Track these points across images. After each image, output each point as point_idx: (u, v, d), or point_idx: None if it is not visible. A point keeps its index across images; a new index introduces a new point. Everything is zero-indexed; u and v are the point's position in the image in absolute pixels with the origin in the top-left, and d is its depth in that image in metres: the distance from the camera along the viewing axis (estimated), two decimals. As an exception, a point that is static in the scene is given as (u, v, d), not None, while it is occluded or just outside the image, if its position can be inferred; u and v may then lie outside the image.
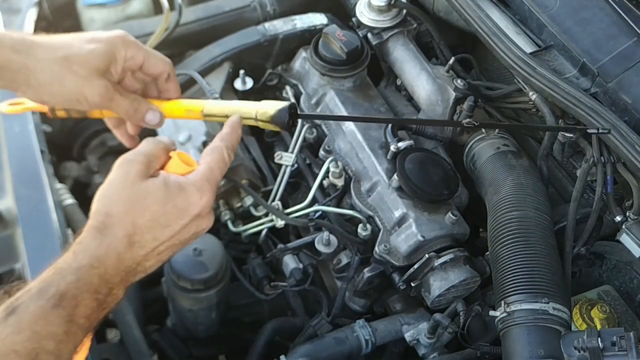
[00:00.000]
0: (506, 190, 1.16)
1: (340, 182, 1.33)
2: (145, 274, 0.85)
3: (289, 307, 1.43)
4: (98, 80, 0.93)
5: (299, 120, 1.40)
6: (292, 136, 1.45)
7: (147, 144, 0.88)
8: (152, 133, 1.53)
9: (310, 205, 1.35)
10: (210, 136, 1.49)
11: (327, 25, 1.60)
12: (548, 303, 0.99)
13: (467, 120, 1.08)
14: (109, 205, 0.81)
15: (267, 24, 1.63)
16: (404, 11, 1.45)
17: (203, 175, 0.86)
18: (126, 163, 0.84)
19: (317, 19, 1.65)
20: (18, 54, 0.89)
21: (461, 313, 1.19)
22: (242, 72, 1.55)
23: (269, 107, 0.96)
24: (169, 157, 0.90)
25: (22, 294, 0.74)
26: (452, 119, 1.34)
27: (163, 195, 0.82)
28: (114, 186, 0.83)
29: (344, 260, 1.32)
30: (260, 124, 0.98)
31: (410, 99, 1.47)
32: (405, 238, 1.21)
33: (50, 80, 0.91)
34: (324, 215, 1.34)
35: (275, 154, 1.44)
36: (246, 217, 1.48)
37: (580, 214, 1.15)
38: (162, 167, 0.88)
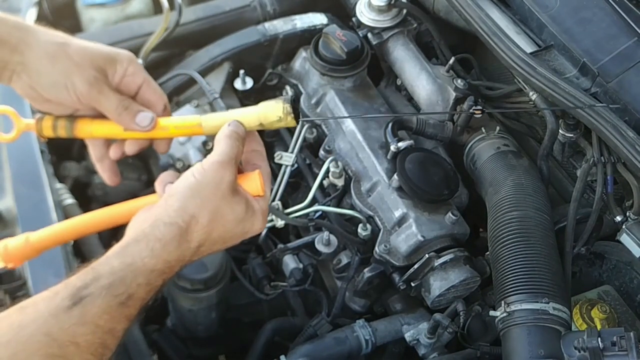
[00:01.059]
0: (506, 190, 1.16)
1: (340, 182, 1.33)
2: None
3: (289, 307, 1.43)
4: (90, 70, 0.88)
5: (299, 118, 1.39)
6: (292, 135, 1.45)
7: (233, 142, 0.85)
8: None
9: (310, 205, 1.35)
10: (209, 136, 1.49)
11: (327, 25, 1.60)
12: (548, 303, 0.99)
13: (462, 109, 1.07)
14: (199, 208, 0.79)
15: (267, 24, 1.63)
16: (404, 11, 1.45)
17: (267, 203, 0.88)
18: (221, 168, 0.81)
19: (317, 18, 1.65)
20: (19, 31, 0.88)
21: (461, 313, 1.19)
22: (242, 72, 1.55)
23: (269, 111, 0.92)
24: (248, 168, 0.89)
25: (91, 282, 0.72)
26: (452, 119, 1.34)
27: (242, 218, 0.83)
28: (207, 189, 0.80)
29: (344, 260, 1.32)
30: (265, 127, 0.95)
31: (410, 99, 1.47)
32: (406, 238, 1.21)
33: (43, 59, 0.87)
34: (324, 215, 1.34)
35: (275, 154, 1.44)
36: (246, 217, 1.48)
37: (580, 214, 1.15)
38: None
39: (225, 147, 0.83)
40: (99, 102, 0.90)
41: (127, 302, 0.73)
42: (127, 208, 0.89)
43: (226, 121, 0.89)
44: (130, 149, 0.97)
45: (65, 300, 0.71)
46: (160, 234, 0.77)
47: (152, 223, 0.78)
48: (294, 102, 0.94)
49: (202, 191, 0.80)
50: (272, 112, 0.92)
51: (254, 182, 0.87)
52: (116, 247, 0.77)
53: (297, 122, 0.94)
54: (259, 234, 1.44)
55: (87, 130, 0.95)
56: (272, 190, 1.44)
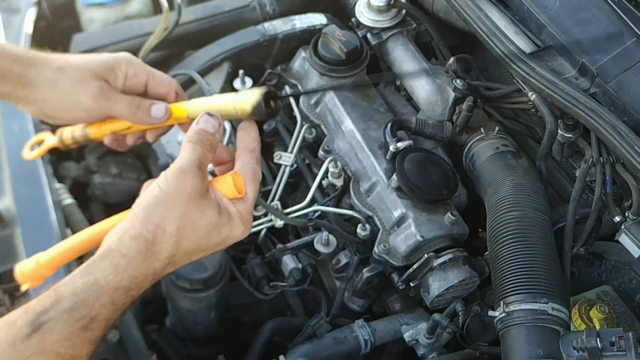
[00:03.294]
0: (505, 191, 1.16)
1: (339, 182, 1.33)
2: None
3: (288, 307, 1.43)
4: (92, 82, 0.89)
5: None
6: (291, 135, 1.45)
7: (195, 147, 0.81)
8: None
9: (310, 205, 1.35)
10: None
11: (326, 25, 1.61)
12: (547, 303, 0.99)
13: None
14: (164, 217, 0.76)
15: (266, 24, 1.63)
16: (404, 11, 1.45)
17: (249, 208, 0.84)
18: (181, 174, 0.78)
19: (316, 19, 1.65)
20: (19, 65, 0.89)
21: (460, 313, 1.19)
22: (241, 72, 1.55)
23: (245, 101, 0.90)
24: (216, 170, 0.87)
25: (52, 306, 0.70)
26: (452, 119, 1.34)
27: (215, 222, 0.80)
28: (170, 197, 0.77)
29: (343, 260, 1.32)
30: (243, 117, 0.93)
31: (409, 99, 1.47)
32: (405, 238, 1.21)
33: (45, 88, 0.89)
34: (323, 215, 1.35)
35: (275, 154, 1.45)
36: (245, 217, 1.48)
37: (579, 214, 1.15)
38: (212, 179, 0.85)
39: (186, 153, 0.81)
40: (110, 110, 0.91)
41: (90, 325, 0.71)
42: None
43: (208, 108, 0.89)
44: (151, 137, 1.00)
45: (24, 328, 0.68)
46: (125, 249, 0.74)
47: (118, 238, 0.76)
48: (274, 95, 0.91)
49: (167, 199, 0.77)
50: (245, 102, 0.89)
51: (227, 184, 0.84)
52: (82, 265, 0.75)
53: (274, 116, 0.91)
54: (259, 233, 1.45)
55: (98, 131, 0.97)
56: (270, 190, 1.45)
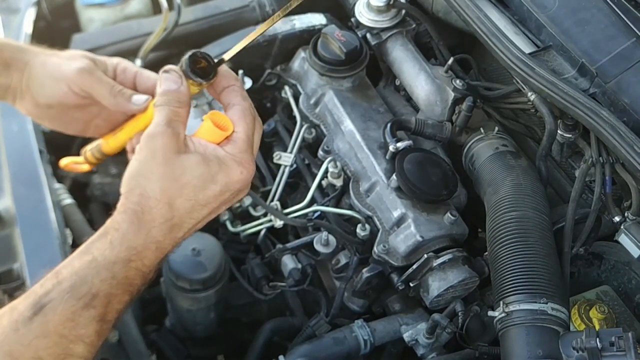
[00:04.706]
0: (505, 191, 1.16)
1: (339, 182, 1.33)
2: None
3: (288, 307, 1.43)
4: (80, 59, 0.89)
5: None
6: (291, 135, 1.45)
7: (162, 109, 0.79)
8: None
9: (309, 205, 1.35)
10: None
11: (326, 25, 1.60)
12: (547, 303, 0.99)
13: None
14: (143, 183, 0.75)
15: (266, 24, 1.63)
16: (403, 11, 1.45)
17: (243, 146, 0.79)
18: (150, 139, 0.76)
19: (316, 19, 1.65)
20: (20, 52, 0.91)
21: (460, 313, 1.19)
22: (241, 72, 1.55)
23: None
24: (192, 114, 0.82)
25: (53, 287, 0.69)
26: (451, 119, 1.34)
27: (202, 172, 0.76)
28: (145, 164, 0.75)
29: (343, 261, 1.32)
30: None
31: (409, 99, 1.47)
32: (404, 238, 1.21)
33: (37, 65, 0.90)
34: (323, 215, 1.35)
35: (274, 154, 1.45)
36: (245, 217, 1.48)
37: (579, 214, 1.15)
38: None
39: (154, 118, 0.79)
40: (91, 87, 0.89)
41: (92, 302, 0.70)
42: None
43: None
44: None
45: (26, 311, 0.68)
46: (117, 224, 0.74)
47: (111, 217, 0.75)
48: (203, 58, 0.84)
49: (142, 167, 0.76)
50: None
51: (207, 128, 0.80)
52: (81, 246, 0.74)
53: (208, 78, 0.84)
54: (258, 234, 1.44)
55: (114, 139, 0.97)
56: (270, 191, 1.45)
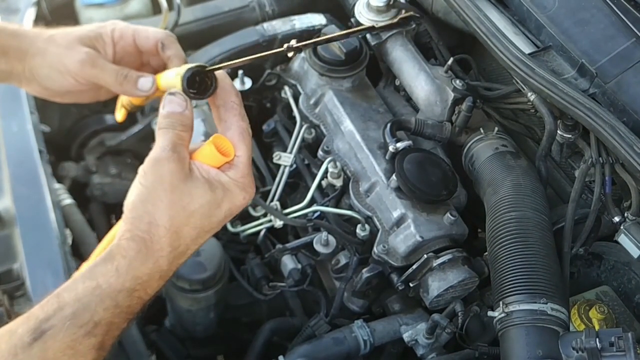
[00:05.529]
0: (505, 191, 1.16)
1: (338, 183, 1.33)
2: None
3: (288, 307, 1.43)
4: (79, 48, 0.89)
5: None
6: (290, 135, 1.45)
7: (166, 132, 0.78)
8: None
9: (309, 205, 1.35)
10: (208, 136, 1.49)
11: (325, 25, 1.61)
12: (546, 303, 0.99)
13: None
14: (152, 211, 0.74)
15: (265, 24, 1.63)
16: (403, 11, 1.45)
17: (244, 170, 0.79)
18: (156, 164, 0.75)
19: (315, 19, 1.65)
20: (15, 38, 0.91)
21: (459, 313, 1.19)
22: (240, 72, 1.55)
23: (177, 80, 0.85)
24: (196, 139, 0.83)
25: (54, 312, 0.68)
26: (451, 119, 1.34)
27: (209, 200, 0.76)
28: (153, 191, 0.74)
29: (343, 261, 1.32)
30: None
31: (408, 99, 1.47)
32: (404, 238, 1.21)
33: (37, 54, 0.90)
34: (323, 215, 1.35)
35: (274, 154, 1.45)
36: (245, 217, 1.48)
37: (578, 214, 1.15)
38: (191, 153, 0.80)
39: (158, 140, 0.78)
40: (96, 77, 0.89)
41: (94, 330, 0.69)
42: None
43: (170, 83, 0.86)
44: None
45: (26, 336, 0.66)
46: (125, 251, 0.73)
47: (117, 241, 0.74)
48: (203, 71, 0.83)
49: (150, 194, 0.75)
50: (177, 82, 0.84)
51: (209, 152, 0.79)
52: (84, 269, 0.73)
53: (205, 94, 0.83)
54: (258, 234, 1.44)
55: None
56: (270, 191, 1.44)
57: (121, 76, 0.89)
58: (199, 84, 0.83)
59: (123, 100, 1.03)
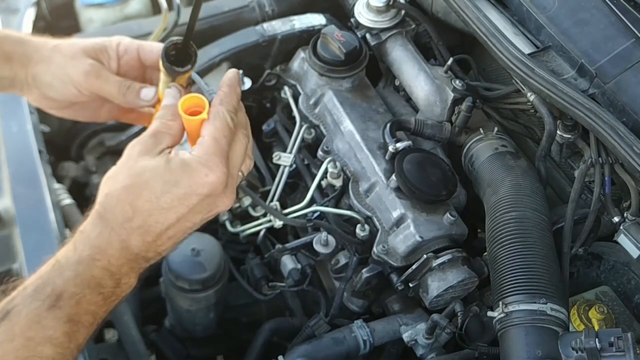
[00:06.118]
0: (504, 191, 1.16)
1: (338, 183, 1.33)
2: (160, 258, 0.79)
3: (287, 307, 1.43)
4: (83, 59, 0.90)
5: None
6: (290, 135, 1.45)
7: (155, 121, 0.80)
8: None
9: (309, 205, 1.35)
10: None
11: (325, 25, 1.60)
12: (546, 304, 0.99)
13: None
14: (109, 185, 0.75)
15: (265, 25, 1.63)
16: (403, 12, 1.45)
17: (208, 149, 0.75)
18: (130, 146, 0.77)
19: (315, 19, 1.65)
20: (20, 45, 0.92)
21: (459, 313, 1.19)
22: (240, 72, 1.54)
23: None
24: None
25: (17, 293, 0.70)
26: (451, 119, 1.34)
27: (163, 173, 0.74)
28: (117, 167, 0.76)
29: (342, 261, 1.32)
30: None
31: (408, 99, 1.47)
32: (404, 238, 1.21)
33: (41, 61, 0.91)
34: (322, 215, 1.35)
35: (274, 154, 1.45)
36: (244, 217, 1.48)
37: (578, 214, 1.15)
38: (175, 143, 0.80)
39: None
40: (100, 88, 0.91)
41: (58, 302, 0.69)
42: None
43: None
44: None
45: None
46: (82, 226, 0.75)
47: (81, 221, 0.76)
48: (178, 46, 0.85)
49: (113, 170, 0.77)
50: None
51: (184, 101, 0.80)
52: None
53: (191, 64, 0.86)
54: (258, 234, 1.44)
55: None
56: (269, 191, 1.44)
57: (124, 87, 0.90)
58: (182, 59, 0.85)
59: None
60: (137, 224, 0.74)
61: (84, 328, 0.71)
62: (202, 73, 1.55)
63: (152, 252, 0.77)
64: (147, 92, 0.91)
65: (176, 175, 0.74)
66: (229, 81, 0.84)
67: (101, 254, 0.73)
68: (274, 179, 1.46)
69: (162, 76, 0.90)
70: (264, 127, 1.54)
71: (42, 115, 1.43)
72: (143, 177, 0.74)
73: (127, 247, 0.74)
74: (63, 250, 0.74)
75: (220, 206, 0.78)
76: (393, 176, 1.24)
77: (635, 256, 1.10)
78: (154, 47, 0.93)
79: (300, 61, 1.52)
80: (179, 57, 0.85)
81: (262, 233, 1.45)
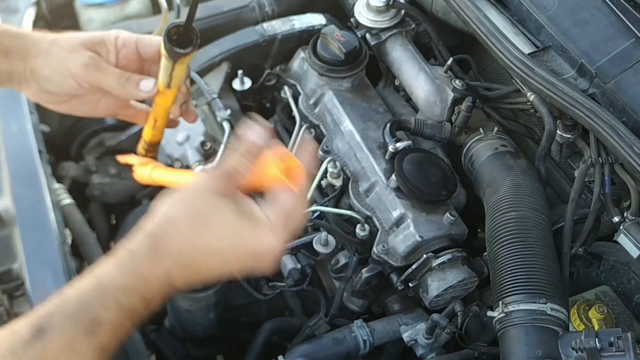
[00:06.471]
0: (504, 191, 1.16)
1: (338, 183, 1.33)
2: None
3: (287, 307, 1.43)
4: (82, 52, 0.90)
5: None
6: (290, 135, 1.45)
7: (234, 156, 0.76)
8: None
9: (308, 205, 1.35)
10: (208, 136, 1.49)
11: (325, 25, 1.60)
12: (546, 303, 0.99)
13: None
14: (175, 209, 0.72)
15: (265, 24, 1.63)
16: (403, 12, 1.45)
17: (282, 221, 0.73)
18: (207, 176, 0.74)
19: (315, 19, 1.65)
20: (19, 39, 0.92)
21: (459, 313, 1.19)
22: (240, 72, 1.55)
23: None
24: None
25: (56, 309, 0.66)
26: (451, 119, 1.34)
27: (230, 220, 0.71)
28: (189, 195, 0.73)
29: (342, 261, 1.32)
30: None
31: (408, 99, 1.47)
32: (404, 238, 1.21)
33: (39, 55, 0.91)
34: (322, 215, 1.34)
35: (274, 154, 1.44)
36: (244, 217, 1.48)
37: (578, 214, 1.15)
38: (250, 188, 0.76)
39: (223, 159, 0.77)
40: (99, 80, 0.90)
41: (95, 330, 0.66)
42: None
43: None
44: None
45: (25, 333, 0.65)
46: (134, 245, 0.71)
47: (134, 236, 0.73)
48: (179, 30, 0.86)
49: (185, 197, 0.73)
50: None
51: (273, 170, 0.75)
52: (92, 266, 0.71)
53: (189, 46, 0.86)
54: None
55: (148, 134, 1.02)
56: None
57: (123, 78, 0.90)
58: (183, 42, 0.86)
59: (142, 145, 1.05)
60: (187, 262, 0.72)
61: (109, 353, 0.70)
62: (202, 73, 1.55)
63: (186, 285, 0.75)
64: (147, 84, 0.91)
65: (242, 226, 0.72)
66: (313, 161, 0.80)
67: (145, 284, 0.70)
68: (273, 179, 1.46)
69: (163, 64, 0.90)
70: (264, 127, 1.53)
71: (42, 115, 1.44)
72: (210, 217, 0.72)
73: (169, 280, 0.72)
74: (107, 268, 0.70)
75: (262, 270, 0.76)
76: (393, 176, 1.24)
77: (635, 256, 1.10)
78: (153, 41, 0.93)
79: (300, 61, 1.52)
80: (181, 40, 0.86)
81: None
